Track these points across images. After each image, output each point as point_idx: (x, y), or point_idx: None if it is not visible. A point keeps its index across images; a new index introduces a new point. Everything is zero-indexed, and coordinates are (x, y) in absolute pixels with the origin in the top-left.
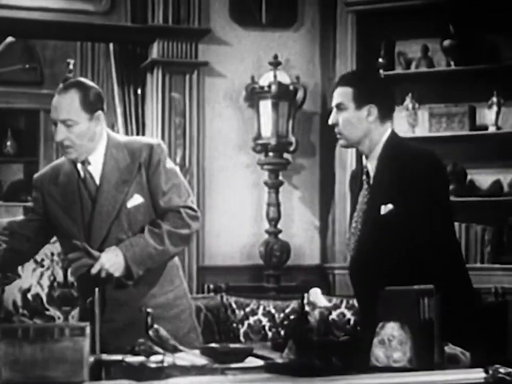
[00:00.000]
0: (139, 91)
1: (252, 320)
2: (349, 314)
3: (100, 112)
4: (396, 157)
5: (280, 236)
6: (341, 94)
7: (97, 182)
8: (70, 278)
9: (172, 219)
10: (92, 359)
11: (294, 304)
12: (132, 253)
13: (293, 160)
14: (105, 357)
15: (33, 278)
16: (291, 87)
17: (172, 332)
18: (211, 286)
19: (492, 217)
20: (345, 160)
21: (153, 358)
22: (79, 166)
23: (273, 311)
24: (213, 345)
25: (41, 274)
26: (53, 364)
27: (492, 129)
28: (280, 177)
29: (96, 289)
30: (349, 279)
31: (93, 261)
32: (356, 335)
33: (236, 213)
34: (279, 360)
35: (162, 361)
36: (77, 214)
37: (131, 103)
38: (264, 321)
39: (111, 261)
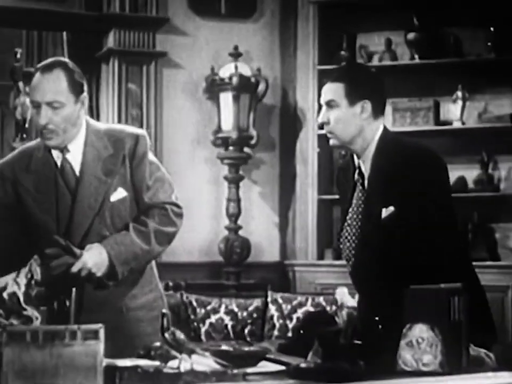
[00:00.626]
0: None
1: (213, 318)
2: None
3: (85, 94)
4: (392, 156)
5: (239, 232)
6: (332, 90)
7: (77, 172)
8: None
9: (157, 216)
10: (104, 364)
11: (257, 302)
12: (117, 251)
13: (252, 155)
14: (119, 362)
15: (9, 276)
16: (252, 79)
17: (153, 334)
18: (170, 283)
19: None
20: (307, 155)
21: (170, 363)
22: (55, 154)
23: (235, 309)
24: (225, 347)
25: (18, 272)
26: (64, 370)
27: (456, 124)
28: (240, 172)
29: (73, 289)
30: (352, 285)
31: (74, 259)
32: (381, 336)
33: (194, 208)
34: (303, 365)
35: (179, 367)
36: (53, 207)
37: None
38: (227, 319)
39: (94, 259)
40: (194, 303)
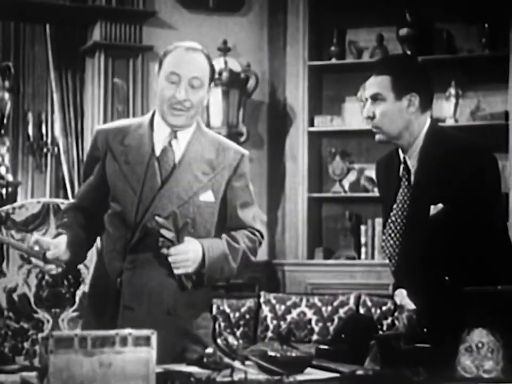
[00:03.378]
0: None
1: None
2: (309, 313)
3: (212, 85)
4: (441, 151)
5: None
6: (378, 83)
7: (176, 160)
8: None
9: (246, 238)
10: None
11: (249, 302)
12: (211, 256)
13: None
14: (170, 370)
15: (19, 276)
16: (242, 75)
17: (190, 351)
18: None
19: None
20: (296, 152)
21: (223, 372)
22: (161, 137)
23: (227, 310)
24: (271, 353)
25: (28, 272)
26: (114, 380)
27: (449, 121)
28: None
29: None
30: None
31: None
32: (439, 343)
33: None
34: (360, 372)
35: (232, 375)
36: (139, 184)
37: (69, 88)
38: (219, 320)
39: (193, 253)
40: None
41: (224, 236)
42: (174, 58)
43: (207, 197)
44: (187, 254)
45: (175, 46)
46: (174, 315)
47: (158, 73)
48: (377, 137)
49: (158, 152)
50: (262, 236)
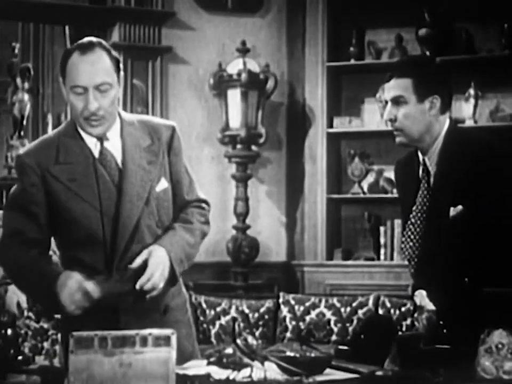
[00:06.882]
0: None
1: (223, 320)
2: (328, 314)
3: (122, 73)
4: (460, 152)
5: (247, 231)
6: (399, 86)
7: (119, 161)
8: None
9: (197, 214)
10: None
11: (268, 303)
12: (175, 253)
13: (260, 153)
14: (190, 370)
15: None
16: (261, 76)
17: (188, 337)
18: None
19: None
20: (315, 153)
21: (243, 372)
22: (91, 142)
23: (246, 310)
24: (290, 353)
25: None
26: (134, 380)
27: (469, 122)
28: (248, 171)
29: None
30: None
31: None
32: (458, 344)
33: None
34: (379, 373)
35: (251, 375)
36: (95, 199)
37: None
38: (238, 321)
39: (159, 269)
40: (204, 305)
41: (176, 224)
42: (73, 68)
43: (162, 184)
44: (158, 270)
45: (70, 51)
46: (166, 311)
47: (63, 82)
48: (398, 140)
49: (98, 158)
50: (206, 203)
